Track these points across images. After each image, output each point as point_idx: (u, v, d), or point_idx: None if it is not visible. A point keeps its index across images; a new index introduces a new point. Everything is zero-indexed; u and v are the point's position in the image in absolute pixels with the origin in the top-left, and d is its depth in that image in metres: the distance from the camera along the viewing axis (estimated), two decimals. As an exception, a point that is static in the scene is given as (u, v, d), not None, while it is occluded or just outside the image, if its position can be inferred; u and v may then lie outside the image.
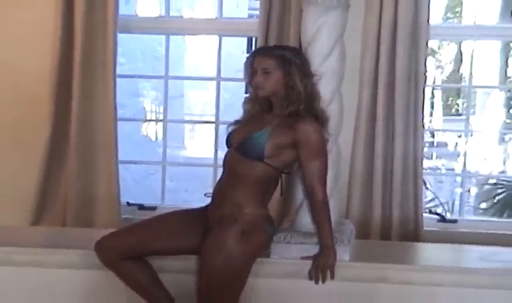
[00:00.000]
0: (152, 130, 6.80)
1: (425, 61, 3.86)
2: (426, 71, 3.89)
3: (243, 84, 4.27)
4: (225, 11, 4.40)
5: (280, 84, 2.75)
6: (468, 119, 4.61)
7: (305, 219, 2.94)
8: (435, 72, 14.29)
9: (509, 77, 12.29)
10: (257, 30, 3.89)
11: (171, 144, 4.86)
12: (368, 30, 3.82)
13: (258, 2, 3.96)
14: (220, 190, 2.82)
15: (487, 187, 7.16)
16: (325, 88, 2.88)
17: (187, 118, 9.08)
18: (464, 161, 4.58)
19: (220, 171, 2.90)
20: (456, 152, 9.79)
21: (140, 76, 5.95)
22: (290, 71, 2.73)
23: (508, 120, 10.24)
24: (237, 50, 7.76)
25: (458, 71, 14.10)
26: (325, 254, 2.77)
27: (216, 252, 2.59)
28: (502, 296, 2.83)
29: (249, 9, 9.42)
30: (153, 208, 4.22)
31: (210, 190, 2.98)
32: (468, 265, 3.10)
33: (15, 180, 4.03)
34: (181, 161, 7.58)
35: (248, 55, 3.04)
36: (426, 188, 5.60)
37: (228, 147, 2.85)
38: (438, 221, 4.16)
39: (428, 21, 3.81)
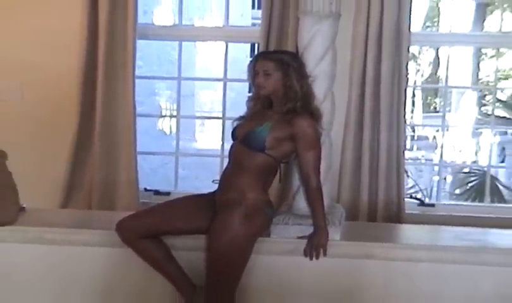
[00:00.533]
0: (167, 125, 6.78)
1: (407, 64, 3.85)
2: (407, 73, 3.89)
3: (247, 84, 4.27)
4: (231, 20, 4.39)
5: (279, 85, 2.73)
6: (444, 116, 4.62)
7: (301, 204, 2.93)
8: (416, 74, 14.26)
9: (481, 79, 12.27)
10: (259, 37, 3.88)
11: (183, 137, 4.84)
12: (357, 37, 3.82)
13: (260, 12, 3.95)
14: (226, 178, 2.80)
15: (461, 175, 7.14)
16: (319, 88, 2.87)
17: (197, 114, 9.03)
18: (441, 152, 4.57)
19: (226, 161, 2.89)
20: (434, 144, 9.75)
21: (156, 77, 5.92)
22: (288, 72, 2.71)
23: (480, 117, 10.23)
24: (241, 55, 7.72)
25: (436, 74, 14.07)
26: (319, 234, 2.77)
27: (223, 232, 2.59)
28: (475, 271, 2.82)
29: (253, 18, 9.39)
30: (168, 193, 4.22)
31: (218, 177, 2.99)
32: (445, 243, 3.09)
33: (46, 169, 4.03)
34: (192, 152, 7.54)
35: (251, 58, 3.02)
36: (408, 176, 5.58)
37: (233, 140, 2.83)
38: (418, 205, 4.17)
39: (409, 29, 3.80)
